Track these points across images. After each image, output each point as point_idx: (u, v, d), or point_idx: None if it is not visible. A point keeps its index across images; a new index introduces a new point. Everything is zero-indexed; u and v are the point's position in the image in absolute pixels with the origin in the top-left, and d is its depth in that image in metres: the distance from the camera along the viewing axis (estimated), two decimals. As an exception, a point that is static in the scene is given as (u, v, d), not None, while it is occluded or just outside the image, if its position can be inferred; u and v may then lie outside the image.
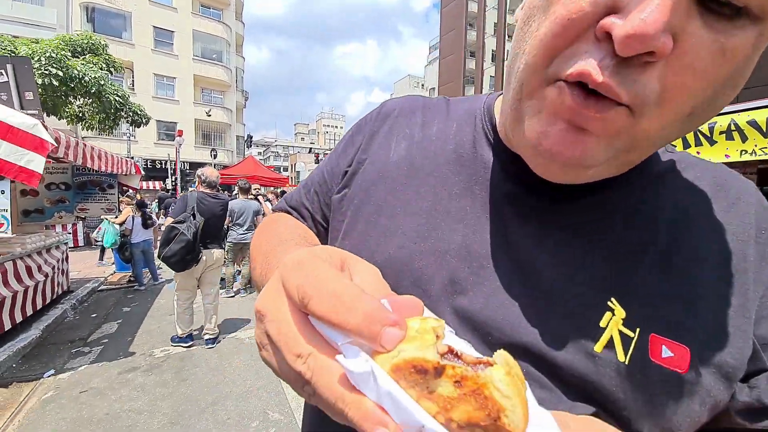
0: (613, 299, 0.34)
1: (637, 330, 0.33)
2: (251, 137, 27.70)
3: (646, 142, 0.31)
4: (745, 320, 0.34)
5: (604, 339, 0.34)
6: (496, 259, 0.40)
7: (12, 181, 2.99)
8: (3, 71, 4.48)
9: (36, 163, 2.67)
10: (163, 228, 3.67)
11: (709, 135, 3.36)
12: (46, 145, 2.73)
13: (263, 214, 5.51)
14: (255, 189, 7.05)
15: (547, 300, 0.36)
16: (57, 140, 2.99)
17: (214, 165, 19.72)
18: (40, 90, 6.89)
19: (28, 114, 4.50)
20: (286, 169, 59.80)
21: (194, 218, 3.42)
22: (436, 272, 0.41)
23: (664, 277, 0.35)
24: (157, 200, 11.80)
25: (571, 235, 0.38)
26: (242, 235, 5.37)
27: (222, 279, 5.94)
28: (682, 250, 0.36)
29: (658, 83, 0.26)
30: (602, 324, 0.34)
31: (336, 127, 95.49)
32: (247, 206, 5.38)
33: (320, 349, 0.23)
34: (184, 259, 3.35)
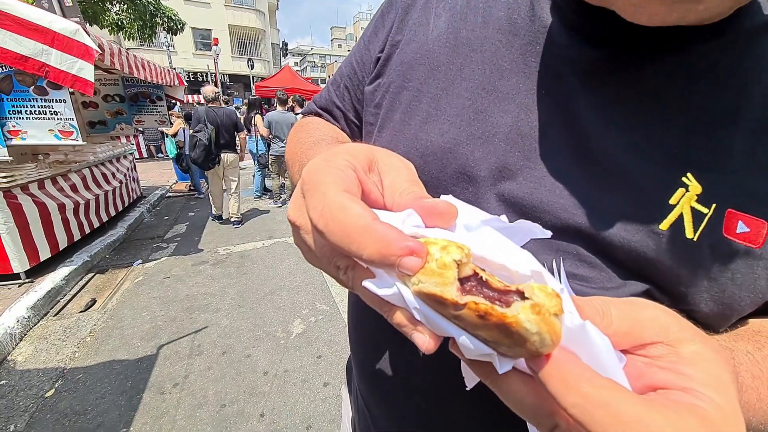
0: (689, 174, 0.31)
1: (713, 206, 0.31)
2: (286, 45, 26.22)
3: None
4: None
5: (672, 216, 0.31)
6: (552, 139, 0.36)
7: (72, 93, 3.17)
8: (38, -25, 4.40)
9: (86, 71, 2.75)
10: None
11: None
12: (91, 52, 2.77)
13: None
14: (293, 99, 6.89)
15: (609, 179, 0.33)
16: (100, 47, 3.01)
17: (252, 77, 19.39)
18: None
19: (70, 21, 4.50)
20: (323, 81, 57.37)
21: (207, 127, 4.25)
22: (483, 158, 0.38)
23: (758, 146, 0.31)
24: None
25: (647, 101, 0.33)
26: (282, 148, 5.45)
27: (269, 191, 6.36)
28: None
29: None
30: (672, 201, 0.31)
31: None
32: (284, 118, 5.35)
33: (355, 261, 0.24)
34: (207, 159, 4.31)
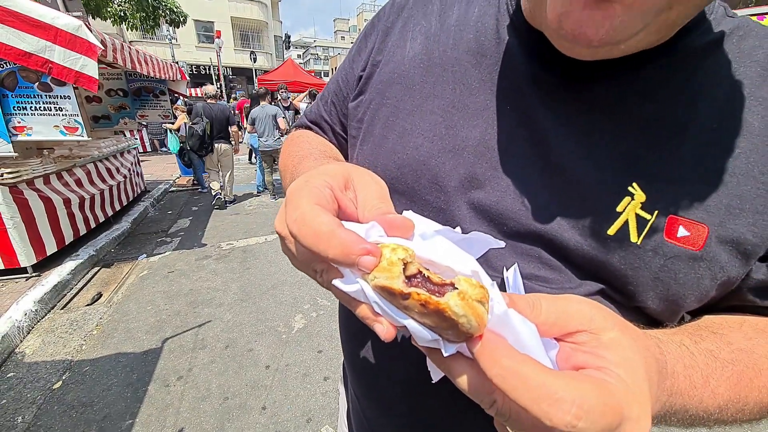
0: (635, 184, 0.34)
1: (655, 212, 0.34)
2: (289, 37, 26.05)
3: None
4: None
5: (618, 223, 0.34)
6: (516, 150, 0.39)
7: (75, 88, 3.18)
8: (40, -32, 4.40)
9: (90, 67, 2.77)
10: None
11: None
12: (94, 48, 2.78)
13: (284, 117, 5.57)
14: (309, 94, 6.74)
15: (566, 188, 0.36)
16: (103, 43, 3.02)
17: (255, 70, 19.31)
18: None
19: (72, 15, 4.50)
20: (326, 74, 56.92)
21: (203, 120, 5.07)
22: (453, 169, 0.41)
23: (704, 155, 0.34)
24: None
25: (601, 115, 0.36)
26: (265, 143, 5.49)
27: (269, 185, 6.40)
28: (728, 128, 0.34)
29: None
30: (619, 209, 0.35)
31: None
32: (263, 113, 5.40)
33: (329, 265, 0.28)
34: (200, 147, 5.16)
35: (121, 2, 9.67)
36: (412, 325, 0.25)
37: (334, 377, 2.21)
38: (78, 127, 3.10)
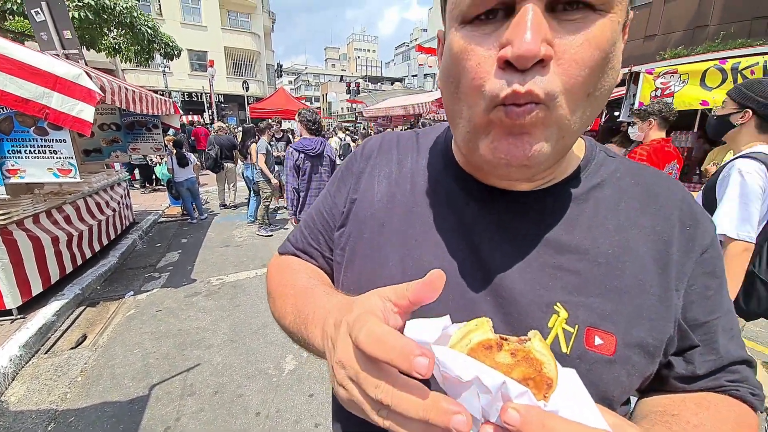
0: (558, 303, 0.43)
1: (576, 326, 0.42)
2: (281, 66, 26.72)
3: (568, 125, 0.36)
4: (665, 308, 0.43)
5: (551, 336, 0.42)
6: (469, 276, 0.47)
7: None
8: (39, 10, 4.56)
9: (86, 112, 2.84)
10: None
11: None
12: (94, 95, 2.87)
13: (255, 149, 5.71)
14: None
15: (509, 307, 0.45)
16: (102, 89, 3.12)
17: (247, 97, 19.64)
18: (75, 23, 6.94)
19: (69, 54, 4.63)
20: (317, 99, 58.13)
21: (215, 147, 7.17)
22: None
23: (604, 275, 0.43)
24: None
25: (524, 243, 0.46)
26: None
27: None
28: (620, 252, 0.43)
29: (558, 78, 0.33)
30: (550, 324, 0.42)
31: (368, 50, 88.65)
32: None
33: (392, 383, 0.28)
34: (215, 167, 7.24)
35: (116, 36, 9.87)
36: (510, 382, 0.26)
37: (326, 423, 2.20)
38: (71, 170, 3.13)
